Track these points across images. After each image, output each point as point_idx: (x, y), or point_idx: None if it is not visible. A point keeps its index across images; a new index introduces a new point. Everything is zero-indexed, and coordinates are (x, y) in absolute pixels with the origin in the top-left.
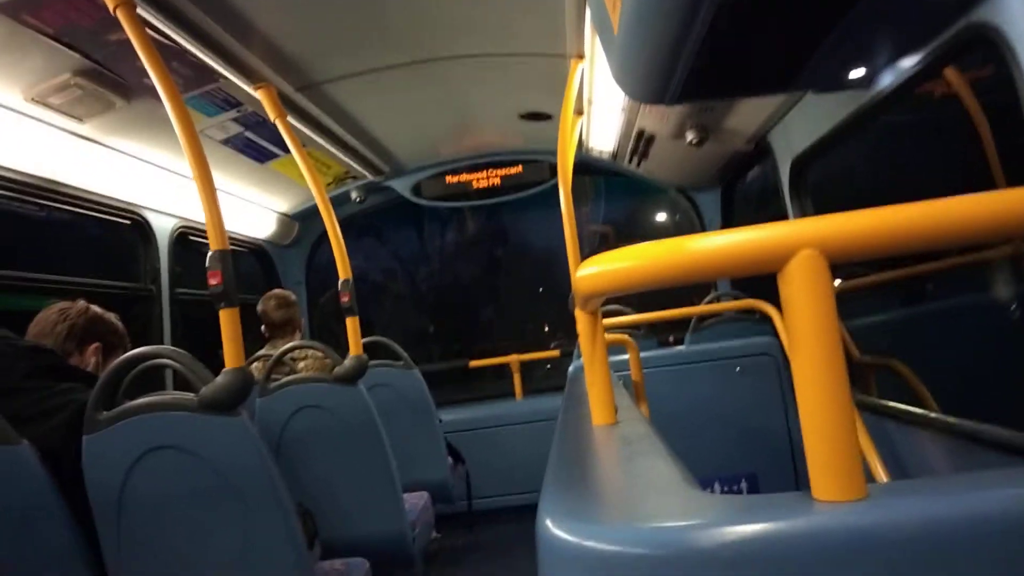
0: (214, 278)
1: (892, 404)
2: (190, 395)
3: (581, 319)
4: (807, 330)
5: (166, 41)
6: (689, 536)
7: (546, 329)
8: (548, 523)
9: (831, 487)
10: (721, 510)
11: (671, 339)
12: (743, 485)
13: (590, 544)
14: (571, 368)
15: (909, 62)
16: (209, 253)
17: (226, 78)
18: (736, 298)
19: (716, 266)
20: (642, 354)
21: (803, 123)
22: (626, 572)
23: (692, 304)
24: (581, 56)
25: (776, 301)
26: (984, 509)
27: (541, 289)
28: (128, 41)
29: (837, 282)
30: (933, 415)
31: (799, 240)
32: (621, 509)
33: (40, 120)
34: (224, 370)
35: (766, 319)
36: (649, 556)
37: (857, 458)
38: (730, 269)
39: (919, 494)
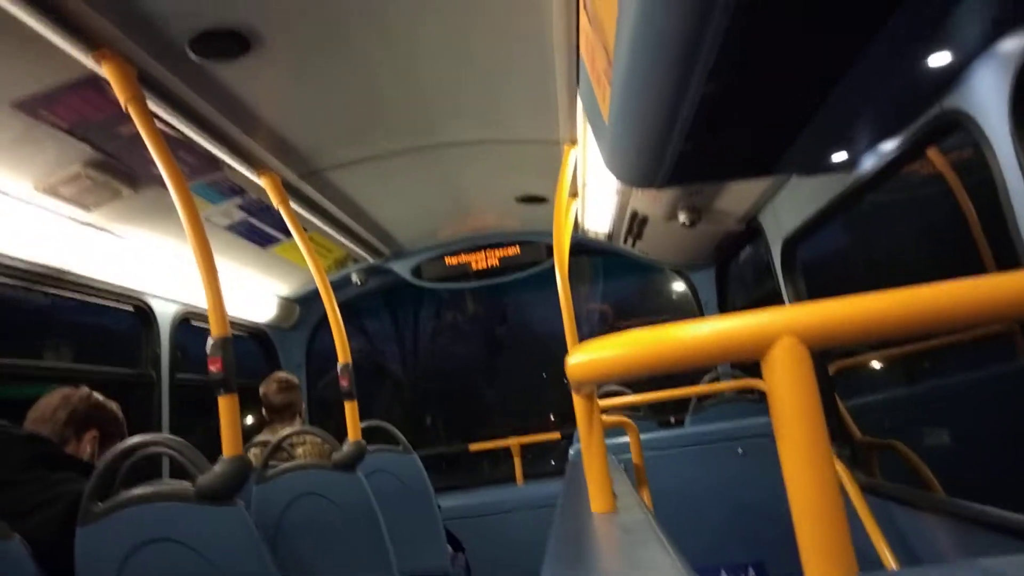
0: (214, 365)
1: (896, 486)
2: (186, 484)
3: (577, 403)
4: (790, 415)
5: (173, 133)
6: None
7: (544, 411)
8: None
9: (823, 571)
10: None
11: (672, 419)
12: (751, 574)
13: None
14: (571, 452)
15: (889, 145)
16: (210, 340)
17: (231, 167)
18: (735, 377)
19: (702, 353)
20: (642, 436)
21: (792, 204)
22: None
23: (692, 383)
24: (574, 142)
25: None
26: None
27: (544, 373)
28: (137, 133)
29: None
30: (937, 498)
31: (779, 328)
32: None
33: (48, 210)
34: (221, 458)
35: (766, 398)
36: None
37: (846, 541)
38: (716, 356)
39: None
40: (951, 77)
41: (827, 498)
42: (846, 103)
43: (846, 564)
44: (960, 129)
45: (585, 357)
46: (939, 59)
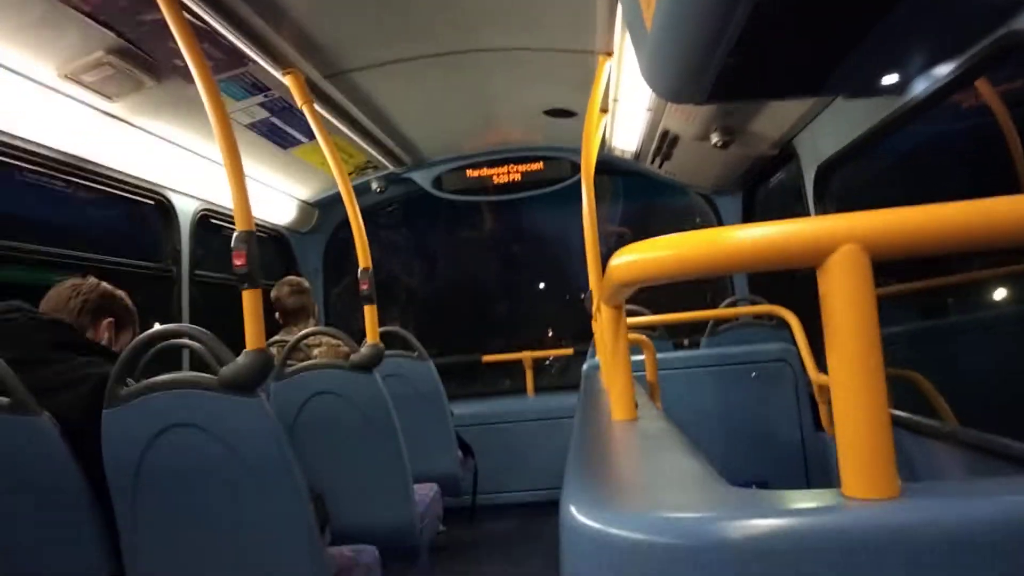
0: (239, 259)
1: (908, 415)
2: (209, 375)
3: (605, 313)
4: (846, 326)
5: (198, 23)
6: (716, 527)
7: (557, 328)
8: (573, 511)
9: (864, 485)
10: (748, 503)
11: (686, 342)
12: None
13: (615, 532)
14: (585, 366)
15: (943, 70)
16: (235, 234)
17: (255, 62)
18: (754, 303)
19: (754, 257)
20: (658, 355)
21: (830, 129)
22: (651, 561)
23: (709, 308)
24: (610, 53)
25: (794, 307)
26: (1018, 512)
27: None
28: (161, 21)
29: None
30: (950, 427)
31: (842, 235)
32: (646, 499)
33: (71, 97)
34: (245, 351)
35: (783, 326)
36: (675, 545)
37: (891, 456)
38: (768, 261)
39: (953, 495)
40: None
41: (877, 410)
42: (904, 21)
43: (890, 480)
44: (1022, 54)
45: (633, 257)
46: None
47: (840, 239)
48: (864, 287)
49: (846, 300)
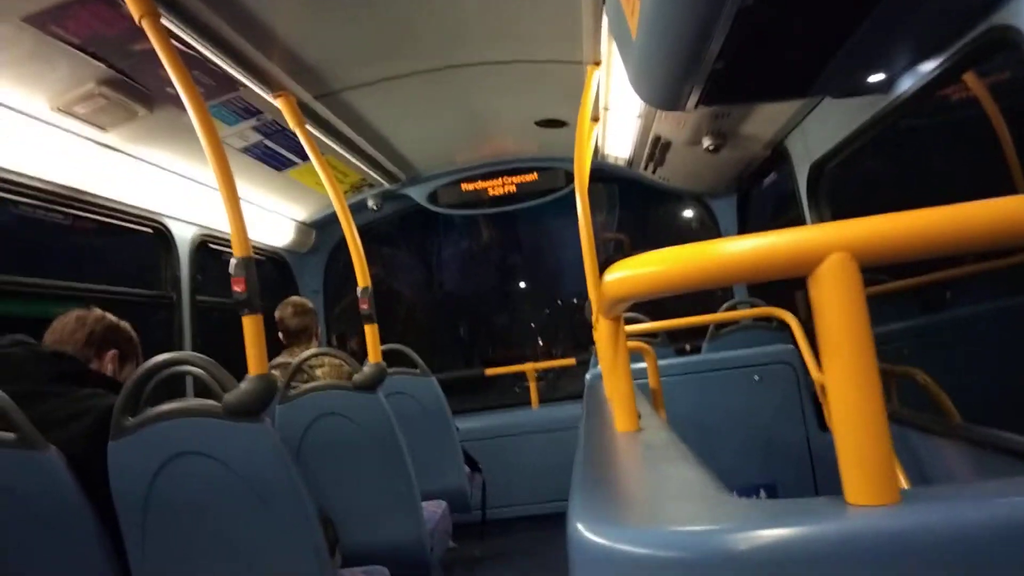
0: (238, 285)
1: (914, 412)
2: (213, 402)
3: (603, 325)
4: (839, 333)
5: (188, 51)
6: (721, 540)
7: (559, 338)
8: (579, 527)
9: (864, 491)
10: (752, 514)
11: (687, 348)
12: (762, 496)
13: (622, 547)
14: (588, 376)
15: (929, 66)
16: (233, 260)
17: (246, 87)
18: (753, 306)
19: (745, 270)
20: (659, 362)
21: (821, 128)
22: (659, 575)
23: (708, 313)
24: (598, 63)
25: (794, 309)
26: (1019, 515)
27: (563, 300)
28: (152, 51)
29: None
30: (955, 423)
31: (830, 243)
32: (652, 513)
33: (65, 129)
34: (247, 376)
35: (784, 327)
36: (681, 559)
37: (891, 462)
38: (759, 273)
39: (953, 499)
40: None
41: (873, 417)
42: (888, 20)
43: (890, 486)
44: (1006, 48)
45: (624, 273)
46: None
47: (828, 248)
48: (854, 294)
49: (837, 307)
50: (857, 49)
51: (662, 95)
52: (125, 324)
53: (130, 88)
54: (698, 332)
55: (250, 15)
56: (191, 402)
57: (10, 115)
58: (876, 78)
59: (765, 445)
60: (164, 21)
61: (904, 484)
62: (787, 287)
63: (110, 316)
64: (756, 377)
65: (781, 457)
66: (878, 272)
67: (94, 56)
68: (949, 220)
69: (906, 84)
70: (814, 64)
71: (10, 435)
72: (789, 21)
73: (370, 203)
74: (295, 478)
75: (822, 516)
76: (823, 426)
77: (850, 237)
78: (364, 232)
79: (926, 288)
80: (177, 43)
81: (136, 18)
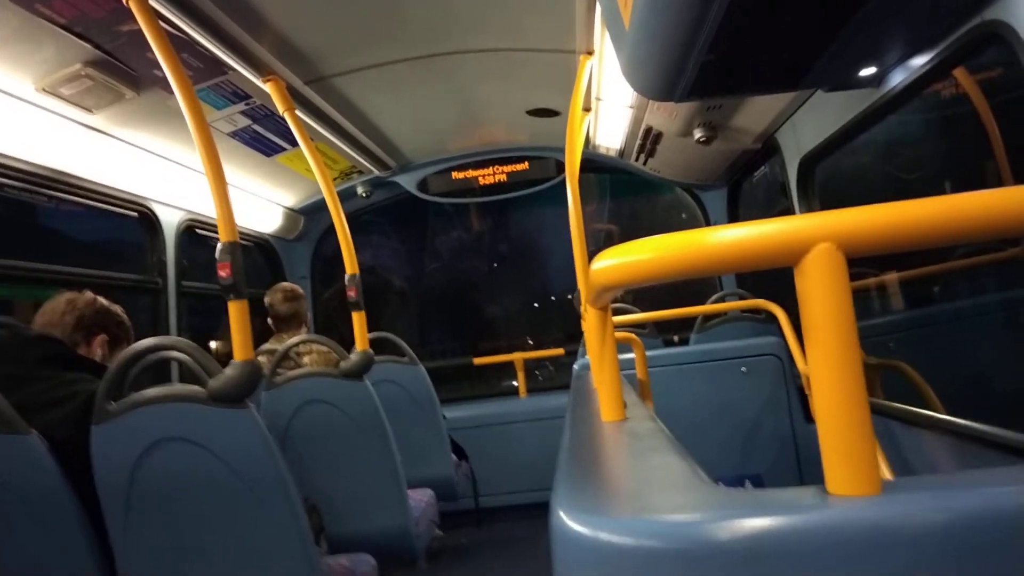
0: (223, 270)
1: (898, 405)
2: (198, 387)
3: (591, 315)
4: (824, 324)
5: (176, 32)
6: (703, 529)
7: (547, 327)
8: (562, 516)
9: (846, 482)
10: (734, 504)
11: (675, 339)
12: (748, 486)
13: (604, 537)
14: (576, 365)
15: (919, 61)
16: (219, 245)
17: (235, 70)
18: (742, 298)
19: (732, 259)
20: (647, 353)
21: (811, 122)
22: (640, 565)
23: (696, 305)
24: (590, 52)
25: (781, 302)
26: (998, 505)
27: (552, 290)
28: (139, 32)
29: None
30: (939, 416)
31: (816, 234)
32: (634, 503)
33: (50, 111)
34: (232, 362)
35: (772, 319)
36: (663, 549)
37: (872, 453)
38: (746, 262)
39: (934, 489)
40: None
41: (856, 408)
42: (880, 14)
43: (872, 476)
44: (998, 43)
45: (612, 261)
46: None
47: (814, 238)
48: (839, 284)
49: (823, 298)
50: (848, 43)
51: (654, 85)
52: (117, 307)
53: (117, 69)
54: (686, 324)
55: None
56: (175, 388)
57: None
58: (867, 72)
59: (752, 436)
60: (152, 2)
61: (888, 476)
62: (776, 278)
63: (101, 300)
64: (743, 369)
65: (767, 448)
66: (866, 266)
67: (80, 36)
68: (935, 212)
69: (897, 79)
70: (805, 57)
71: None
72: (780, 14)
73: (359, 190)
74: (280, 465)
75: (804, 506)
76: (809, 418)
77: (836, 228)
78: (353, 219)
79: (913, 281)
80: (165, 24)
81: None
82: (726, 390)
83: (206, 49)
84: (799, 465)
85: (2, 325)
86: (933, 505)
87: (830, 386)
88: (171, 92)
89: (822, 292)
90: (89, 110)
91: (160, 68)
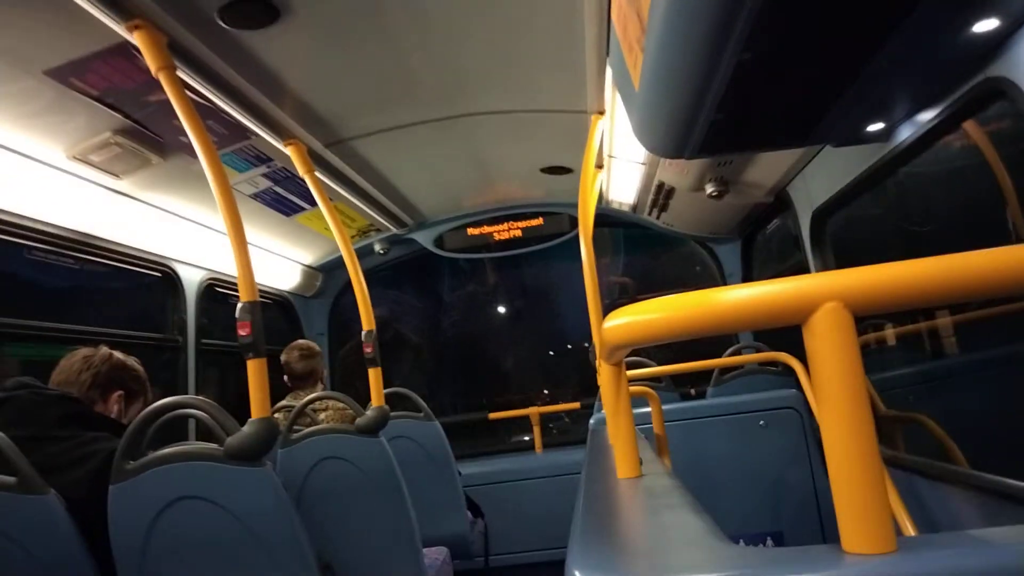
0: (243, 329)
1: (920, 459)
2: (215, 445)
3: (605, 371)
4: (833, 382)
5: (202, 101)
6: None
7: (563, 382)
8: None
9: (861, 540)
10: (751, 563)
11: (692, 391)
12: (769, 544)
13: None
14: (592, 420)
15: (926, 116)
16: (239, 304)
17: (258, 135)
18: (759, 350)
19: (742, 318)
20: (663, 407)
21: (822, 176)
22: None
23: (713, 357)
24: (601, 112)
25: (799, 353)
26: (1018, 565)
27: (568, 344)
28: (167, 101)
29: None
30: (962, 470)
31: (823, 293)
32: (651, 562)
33: (80, 176)
34: (250, 420)
35: (790, 372)
36: None
37: (887, 511)
38: (755, 321)
39: (948, 548)
40: (997, 45)
41: (868, 465)
42: (885, 71)
43: (886, 534)
44: (1002, 99)
45: (624, 320)
46: (985, 26)
47: (822, 297)
48: (847, 342)
49: (831, 356)
50: (855, 100)
51: (664, 144)
52: (133, 361)
53: (144, 137)
54: (703, 376)
55: (263, 67)
56: (192, 446)
57: (28, 164)
58: (875, 127)
59: (772, 492)
60: (180, 73)
61: (911, 530)
62: (794, 332)
63: (117, 355)
64: (761, 422)
65: (788, 504)
66: (887, 317)
67: (111, 107)
68: (941, 270)
69: (906, 133)
70: (812, 114)
71: (11, 479)
72: (786, 72)
73: (377, 247)
74: (295, 523)
75: (818, 564)
76: None
77: (843, 287)
78: (370, 276)
79: (934, 332)
80: (192, 94)
81: (153, 71)
82: (745, 444)
83: (230, 116)
84: (821, 521)
85: (22, 385)
86: (949, 564)
87: (841, 443)
88: (196, 157)
89: (830, 350)
90: (117, 175)
91: (186, 135)
